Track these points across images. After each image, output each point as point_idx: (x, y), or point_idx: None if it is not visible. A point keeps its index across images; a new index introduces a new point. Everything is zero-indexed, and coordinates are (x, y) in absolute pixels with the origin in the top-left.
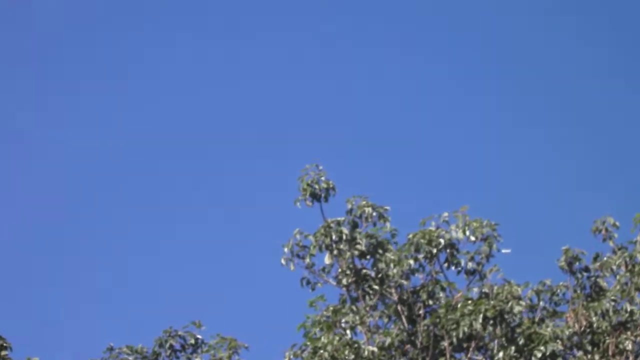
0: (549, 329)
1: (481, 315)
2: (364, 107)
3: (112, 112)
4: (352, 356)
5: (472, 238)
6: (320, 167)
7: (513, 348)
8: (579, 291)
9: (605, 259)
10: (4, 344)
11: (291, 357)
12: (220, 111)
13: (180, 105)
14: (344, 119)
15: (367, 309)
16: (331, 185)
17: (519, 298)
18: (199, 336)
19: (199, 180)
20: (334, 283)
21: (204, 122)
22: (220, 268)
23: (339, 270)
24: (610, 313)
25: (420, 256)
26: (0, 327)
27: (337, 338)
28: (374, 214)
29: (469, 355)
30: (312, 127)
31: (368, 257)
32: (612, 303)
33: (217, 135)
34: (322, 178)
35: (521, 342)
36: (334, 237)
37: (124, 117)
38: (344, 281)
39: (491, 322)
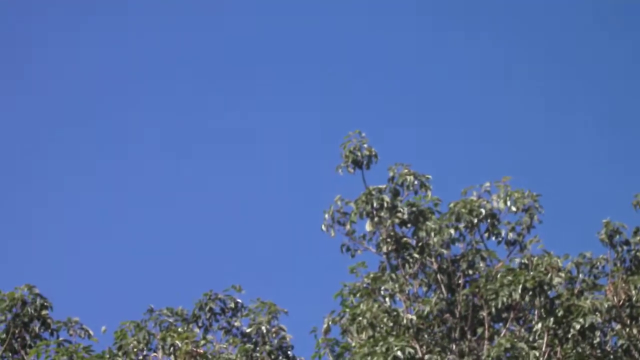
0: (588, 302)
1: (520, 286)
2: (409, 75)
3: None
4: (391, 324)
5: (513, 208)
6: (363, 135)
7: (552, 319)
8: (618, 264)
9: None
10: (45, 304)
11: (330, 323)
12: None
13: None
14: (388, 86)
15: (407, 277)
16: (373, 153)
17: (559, 270)
18: (238, 300)
19: (243, 149)
20: (374, 250)
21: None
22: (262, 233)
23: (380, 237)
24: None
25: (461, 225)
26: (41, 288)
27: (376, 305)
28: (416, 182)
29: (507, 326)
30: (356, 94)
31: (409, 225)
32: None
33: (260, 103)
34: (365, 145)
35: (560, 313)
36: (375, 204)
37: None
38: (384, 249)
39: (530, 293)
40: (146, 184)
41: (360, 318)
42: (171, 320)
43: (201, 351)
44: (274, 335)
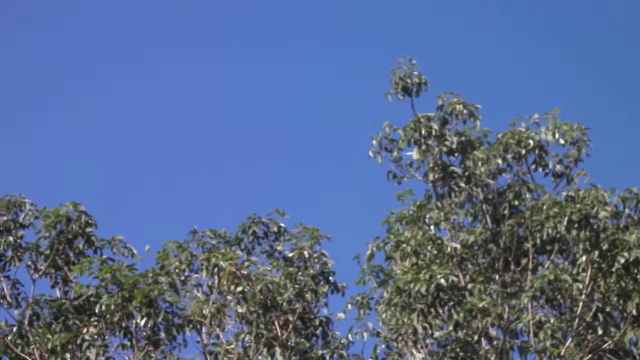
0: (633, 236)
1: (566, 219)
2: (463, 6)
3: None
4: (435, 252)
5: (562, 141)
6: (413, 62)
7: (596, 253)
8: None
9: None
10: (90, 221)
11: (374, 249)
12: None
13: None
14: (441, 17)
15: (453, 206)
16: (423, 80)
17: (605, 203)
18: (282, 224)
19: (286, 71)
20: (421, 178)
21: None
22: (307, 157)
23: (427, 166)
24: None
25: (509, 156)
26: (86, 205)
27: (420, 233)
28: (465, 111)
29: (551, 258)
30: (408, 21)
31: (456, 154)
32: None
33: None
34: (415, 72)
35: (605, 247)
36: (423, 132)
37: None
38: (431, 177)
39: (576, 225)
40: (192, 104)
41: (405, 245)
42: (214, 242)
43: (244, 272)
44: (315, 260)
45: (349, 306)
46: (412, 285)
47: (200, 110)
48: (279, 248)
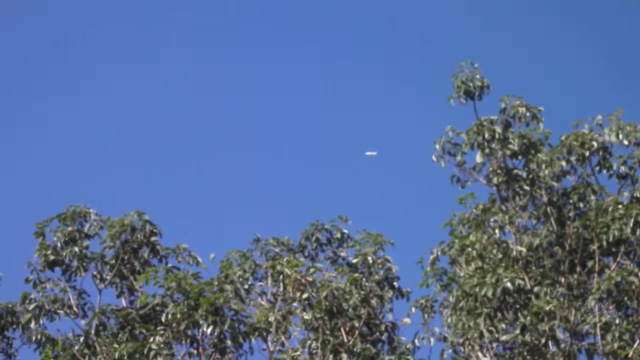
0: None
1: (632, 220)
2: (524, 8)
3: None
4: (500, 255)
5: (625, 142)
6: (475, 65)
7: None
8: None
9: None
10: (154, 230)
11: (439, 254)
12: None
13: None
14: (501, 21)
15: (517, 209)
16: (485, 84)
17: None
18: (345, 231)
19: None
20: (484, 182)
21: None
22: (368, 162)
23: (490, 169)
24: None
25: (572, 158)
26: (151, 215)
27: (485, 237)
28: (528, 114)
29: (617, 260)
30: (467, 28)
31: (520, 157)
32: None
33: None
34: (477, 76)
35: None
36: (486, 135)
37: None
38: (495, 180)
39: None
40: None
41: (470, 249)
42: (277, 250)
43: (309, 279)
44: (379, 266)
45: (413, 309)
46: (477, 289)
47: (263, 124)
48: (342, 254)
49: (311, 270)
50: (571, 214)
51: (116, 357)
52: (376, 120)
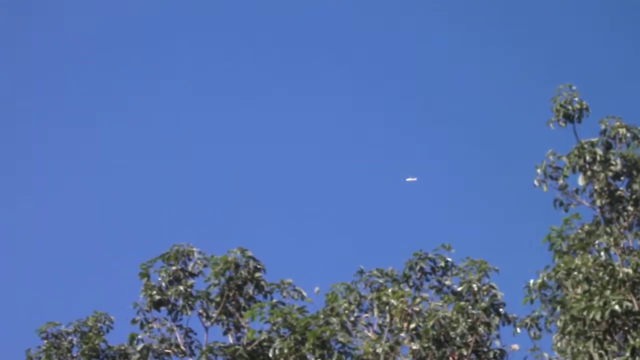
0: None
1: None
2: (622, 28)
3: None
4: (607, 278)
5: None
6: (574, 88)
7: None
8: None
9: None
10: (258, 266)
11: (545, 278)
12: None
13: None
14: (598, 39)
15: (622, 230)
16: (584, 106)
17: None
18: (448, 259)
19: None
20: (588, 204)
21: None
22: (470, 190)
23: (593, 191)
24: None
25: None
26: (254, 251)
27: (591, 260)
28: (628, 134)
29: None
30: (563, 46)
31: (622, 178)
32: None
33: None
34: (576, 99)
35: None
36: (587, 158)
37: None
38: (598, 202)
39: None
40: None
41: (576, 272)
42: (381, 280)
43: (416, 309)
44: (485, 293)
45: (518, 330)
46: (585, 313)
47: (357, 156)
48: (447, 283)
49: (417, 300)
50: None
51: None
52: (474, 147)
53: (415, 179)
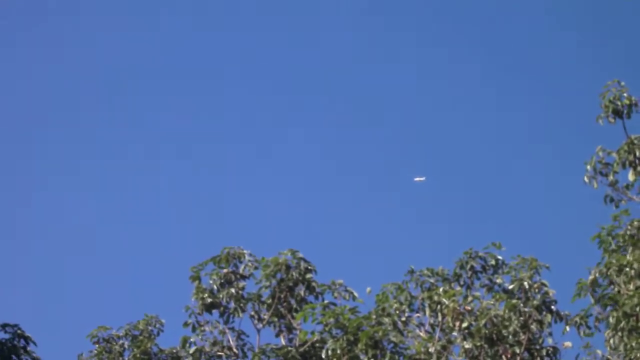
0: None
1: None
2: None
3: None
4: None
5: None
6: (622, 84)
7: None
8: None
9: None
10: (309, 267)
11: (597, 275)
12: None
13: None
14: None
15: None
16: (634, 101)
17: None
18: (499, 257)
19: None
20: (638, 200)
21: None
22: (519, 188)
23: None
24: None
25: None
26: (304, 252)
27: None
28: None
29: None
30: (614, 44)
31: None
32: None
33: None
34: (625, 94)
35: None
36: (637, 153)
37: None
38: None
39: None
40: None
41: (628, 269)
42: (432, 280)
43: (468, 308)
44: (536, 290)
45: (567, 328)
46: (638, 309)
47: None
48: (498, 281)
49: (468, 298)
50: None
51: None
52: (522, 142)
53: (423, 179)
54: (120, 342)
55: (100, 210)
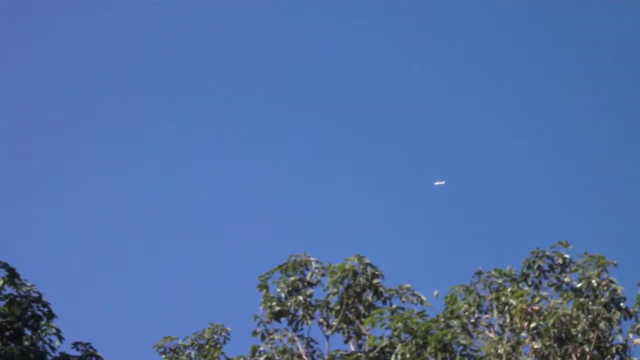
0: None
1: None
2: None
3: None
4: None
5: None
6: None
7: None
8: None
9: None
10: (376, 273)
11: None
12: None
13: None
14: None
15: None
16: None
17: None
18: (566, 255)
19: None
20: None
21: None
22: (583, 187)
23: None
24: None
25: None
26: (371, 257)
27: None
28: None
29: None
30: None
31: None
32: None
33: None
34: None
35: None
36: None
37: None
38: None
39: None
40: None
41: None
42: (500, 281)
43: (536, 308)
44: (604, 288)
45: (631, 335)
46: None
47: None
48: (566, 280)
49: (536, 298)
50: None
51: None
52: (585, 150)
53: (443, 183)
54: (187, 352)
55: (166, 218)
